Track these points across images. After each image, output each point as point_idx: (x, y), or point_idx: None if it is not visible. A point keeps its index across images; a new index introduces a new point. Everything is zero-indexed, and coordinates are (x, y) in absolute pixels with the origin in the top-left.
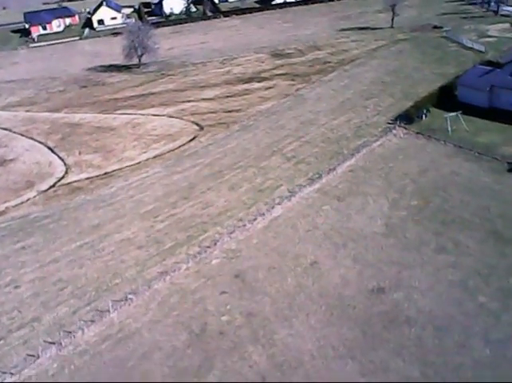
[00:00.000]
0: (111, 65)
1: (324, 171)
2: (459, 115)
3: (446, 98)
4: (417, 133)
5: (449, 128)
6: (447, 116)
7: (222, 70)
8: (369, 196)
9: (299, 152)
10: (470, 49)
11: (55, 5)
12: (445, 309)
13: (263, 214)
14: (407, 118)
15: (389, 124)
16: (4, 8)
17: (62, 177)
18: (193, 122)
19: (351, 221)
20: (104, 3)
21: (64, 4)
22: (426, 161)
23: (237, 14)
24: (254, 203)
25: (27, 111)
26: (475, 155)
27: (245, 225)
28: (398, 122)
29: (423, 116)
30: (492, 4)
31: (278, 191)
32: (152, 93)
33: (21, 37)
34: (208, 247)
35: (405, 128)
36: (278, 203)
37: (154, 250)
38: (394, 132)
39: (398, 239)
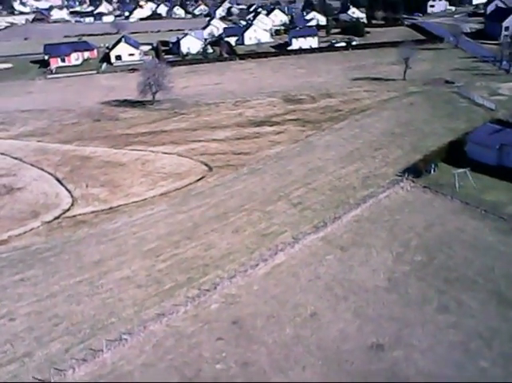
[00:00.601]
0: (125, 100)
1: (329, 219)
2: (468, 172)
3: (455, 153)
4: (424, 187)
5: (457, 184)
6: (456, 172)
7: (235, 112)
8: (373, 248)
9: (305, 199)
10: (481, 105)
11: (75, 39)
12: (445, 371)
13: (266, 260)
14: (415, 171)
15: (397, 176)
16: (26, 39)
17: (68, 209)
18: (202, 162)
19: (353, 273)
20: (123, 39)
21: (85, 38)
22: (432, 216)
23: (252, 58)
24: (257, 247)
25: (39, 141)
26: (482, 213)
27: (246, 270)
28: (406, 175)
29: (432, 170)
30: (504, 63)
31: (282, 237)
32: (164, 131)
33: (39, 67)
34: (208, 291)
35: (413, 181)
36: (281, 250)
37: (153, 291)
38: (401, 184)
39: (400, 295)
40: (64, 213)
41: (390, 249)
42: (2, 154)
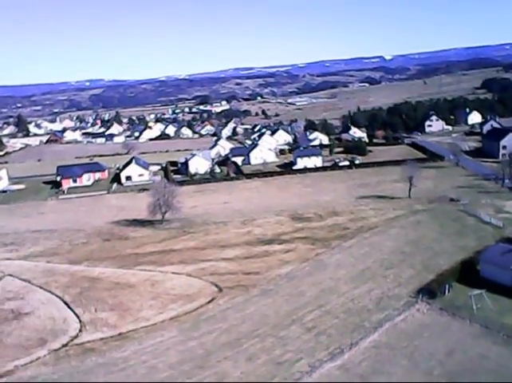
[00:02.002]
0: (135, 220)
1: (346, 345)
2: (484, 293)
3: (468, 273)
4: (441, 309)
5: (474, 307)
6: (472, 294)
7: (243, 231)
8: (394, 377)
9: (319, 323)
10: (488, 223)
11: (87, 159)
12: None
13: None
14: (429, 292)
15: (411, 297)
16: (39, 160)
17: (76, 336)
18: (212, 283)
19: None
20: (134, 161)
21: (96, 159)
22: (452, 341)
23: (259, 177)
24: (272, 377)
25: (48, 262)
26: (504, 337)
27: None
28: (420, 296)
29: (446, 291)
30: (506, 181)
31: (298, 365)
32: (173, 250)
33: (52, 188)
34: None
35: (428, 303)
36: (298, 379)
37: None
38: (417, 306)
39: None
40: (72, 340)
41: (412, 378)
42: (11, 275)
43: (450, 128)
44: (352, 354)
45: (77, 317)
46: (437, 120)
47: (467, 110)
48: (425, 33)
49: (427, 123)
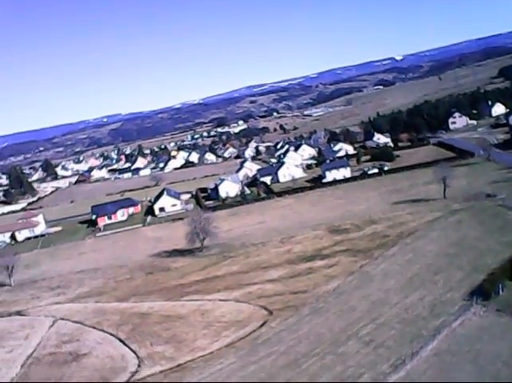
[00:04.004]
0: (174, 250)
1: (406, 355)
2: None
3: None
4: (498, 311)
5: None
6: None
7: (283, 249)
8: None
9: (376, 335)
10: None
11: (118, 196)
12: None
13: None
14: (482, 294)
15: (465, 300)
16: (71, 201)
17: (136, 371)
18: (261, 306)
19: None
20: (165, 192)
21: (126, 194)
22: None
23: (289, 194)
24: None
25: (96, 301)
26: None
27: None
28: (474, 299)
29: (500, 291)
30: None
31: (361, 379)
32: (217, 276)
33: (88, 227)
34: None
35: (483, 305)
36: None
37: None
38: (472, 310)
39: None
40: (132, 376)
41: None
42: (62, 319)
43: (474, 122)
44: (415, 364)
45: (134, 353)
46: (460, 116)
47: (489, 102)
48: (433, 30)
49: (451, 120)
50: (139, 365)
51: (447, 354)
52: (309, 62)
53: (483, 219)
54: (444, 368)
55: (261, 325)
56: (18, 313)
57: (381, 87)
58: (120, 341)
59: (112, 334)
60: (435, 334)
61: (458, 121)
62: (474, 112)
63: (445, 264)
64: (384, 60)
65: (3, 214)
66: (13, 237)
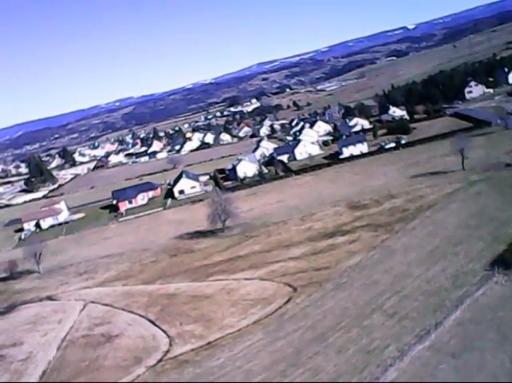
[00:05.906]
0: (196, 232)
1: (430, 326)
2: None
3: None
4: None
5: None
6: None
7: (304, 227)
8: (486, 351)
9: (400, 308)
10: None
11: (136, 180)
12: None
13: (377, 378)
14: (504, 263)
15: (486, 271)
16: (92, 187)
17: (167, 350)
18: (285, 283)
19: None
20: (184, 175)
21: (145, 178)
22: None
23: (307, 171)
24: (365, 366)
25: (124, 285)
26: None
27: None
28: (496, 268)
29: None
30: None
31: (387, 351)
32: (240, 256)
33: (110, 212)
34: None
35: (505, 275)
36: (391, 365)
37: None
38: (494, 279)
39: None
40: (165, 355)
41: (504, 351)
42: (93, 302)
43: (491, 91)
44: (439, 334)
45: (165, 332)
46: (476, 85)
47: (506, 69)
48: None
49: (467, 89)
50: (170, 344)
51: (470, 323)
52: (320, 36)
53: (503, 190)
54: (468, 337)
55: (287, 302)
56: (49, 298)
57: (394, 58)
58: (150, 321)
59: (141, 315)
60: (458, 305)
61: (475, 90)
62: (491, 79)
63: (465, 235)
64: (396, 29)
65: (25, 202)
66: (37, 225)
